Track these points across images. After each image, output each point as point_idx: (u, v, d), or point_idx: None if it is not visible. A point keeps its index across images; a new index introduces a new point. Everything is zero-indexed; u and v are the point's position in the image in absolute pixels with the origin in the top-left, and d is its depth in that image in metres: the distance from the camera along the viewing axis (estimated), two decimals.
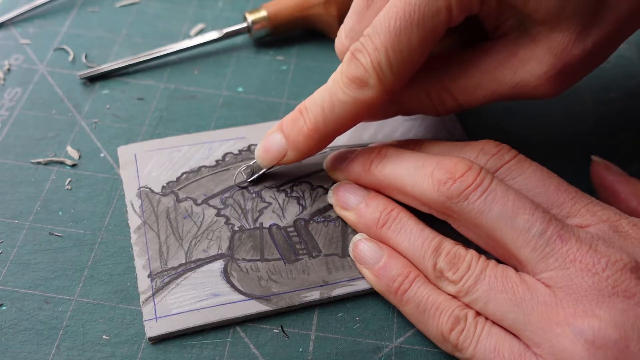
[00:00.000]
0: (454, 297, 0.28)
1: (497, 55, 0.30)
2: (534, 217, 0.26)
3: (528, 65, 0.29)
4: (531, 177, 0.29)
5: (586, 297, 0.24)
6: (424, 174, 0.28)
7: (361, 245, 0.30)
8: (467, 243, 0.29)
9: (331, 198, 0.33)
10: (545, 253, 0.25)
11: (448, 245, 0.28)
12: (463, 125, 0.38)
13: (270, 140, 0.32)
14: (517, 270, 0.27)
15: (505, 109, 0.39)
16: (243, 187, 0.33)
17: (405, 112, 0.33)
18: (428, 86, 0.31)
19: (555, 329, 0.24)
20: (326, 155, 0.34)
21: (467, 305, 0.27)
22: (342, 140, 0.36)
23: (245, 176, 0.34)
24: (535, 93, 0.30)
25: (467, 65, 0.30)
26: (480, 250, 0.28)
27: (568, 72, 0.29)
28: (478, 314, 0.27)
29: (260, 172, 0.33)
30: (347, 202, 0.32)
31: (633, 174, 0.34)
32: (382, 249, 0.30)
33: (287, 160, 0.32)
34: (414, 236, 0.29)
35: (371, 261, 0.30)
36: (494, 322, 0.26)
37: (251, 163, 0.34)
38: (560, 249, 0.25)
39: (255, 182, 0.34)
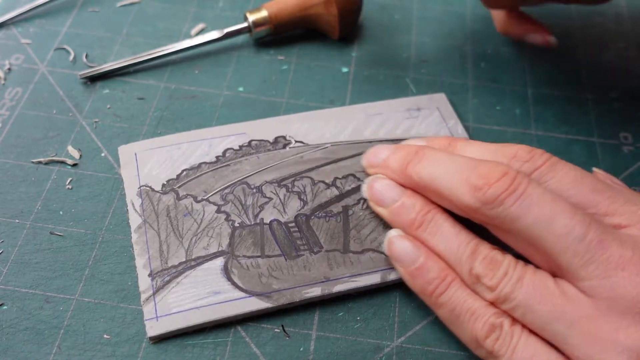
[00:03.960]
0: (491, 303, 0.27)
1: None
2: (573, 221, 0.25)
3: None
4: (564, 178, 0.28)
5: (631, 309, 0.23)
6: (460, 178, 0.28)
7: (398, 244, 0.30)
8: (505, 246, 0.28)
9: (365, 192, 0.32)
10: (586, 259, 0.24)
11: (485, 249, 0.27)
12: (463, 124, 0.38)
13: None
14: (556, 276, 0.26)
15: (505, 108, 0.39)
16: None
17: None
18: None
19: (598, 344, 0.24)
20: (365, 150, 0.34)
21: (505, 312, 0.26)
22: (344, 136, 0.36)
23: None
24: None
25: None
26: (518, 255, 0.27)
27: None
28: (514, 321, 0.26)
29: None
30: (382, 199, 0.31)
31: (633, 174, 0.34)
32: (420, 249, 0.29)
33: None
34: (450, 239, 0.28)
35: (407, 261, 0.29)
36: (531, 331, 0.26)
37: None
38: (602, 256, 0.24)
39: None
